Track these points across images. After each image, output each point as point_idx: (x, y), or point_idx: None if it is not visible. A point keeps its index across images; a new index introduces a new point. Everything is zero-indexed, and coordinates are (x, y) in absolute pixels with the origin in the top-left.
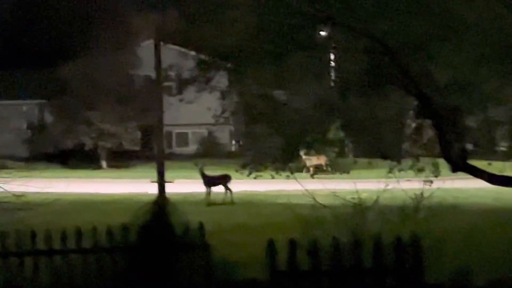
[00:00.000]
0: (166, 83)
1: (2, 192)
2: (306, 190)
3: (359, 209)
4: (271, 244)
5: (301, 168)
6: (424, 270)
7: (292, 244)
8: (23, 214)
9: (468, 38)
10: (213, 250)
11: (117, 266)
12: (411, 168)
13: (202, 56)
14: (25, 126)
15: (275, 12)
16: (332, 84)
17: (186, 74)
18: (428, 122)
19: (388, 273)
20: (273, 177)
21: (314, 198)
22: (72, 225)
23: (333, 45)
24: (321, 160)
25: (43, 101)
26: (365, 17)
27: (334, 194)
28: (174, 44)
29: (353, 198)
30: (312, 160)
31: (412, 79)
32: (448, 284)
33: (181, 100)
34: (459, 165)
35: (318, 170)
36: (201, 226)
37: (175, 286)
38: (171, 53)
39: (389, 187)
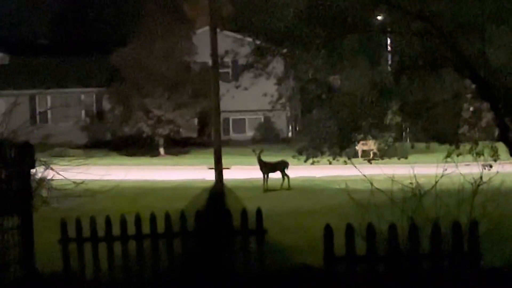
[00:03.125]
0: (222, 70)
1: (62, 179)
2: (364, 175)
3: (417, 194)
4: (327, 229)
5: (356, 153)
6: (482, 254)
7: (349, 229)
8: (83, 201)
9: None
10: (270, 236)
11: (174, 252)
12: (469, 152)
13: (258, 42)
14: (83, 113)
15: None
16: (388, 67)
17: (242, 61)
18: (486, 105)
19: (445, 258)
20: (330, 163)
21: (371, 183)
22: (131, 212)
23: (388, 29)
24: (371, 145)
25: (101, 88)
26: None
27: (391, 179)
28: (230, 30)
29: (410, 183)
30: (363, 145)
31: (468, 61)
32: (505, 269)
33: (237, 87)
34: None
35: (368, 155)
36: (258, 212)
37: (231, 271)
38: (226, 39)
39: (447, 171)
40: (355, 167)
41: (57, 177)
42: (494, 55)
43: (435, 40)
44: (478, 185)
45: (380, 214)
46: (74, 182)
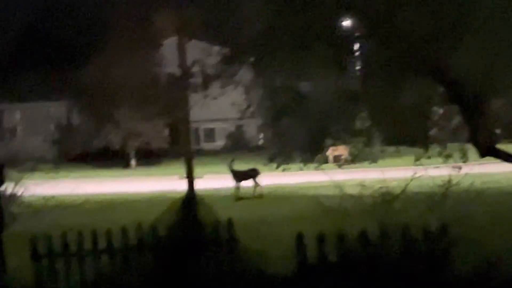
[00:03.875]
0: (190, 80)
1: (33, 195)
2: (333, 181)
3: (388, 198)
4: (299, 238)
5: (327, 159)
6: (454, 258)
7: (320, 237)
8: (54, 216)
9: (492, 22)
10: (242, 245)
11: (146, 265)
12: (439, 155)
13: (226, 51)
14: (52, 127)
15: (294, 1)
16: (356, 73)
17: (210, 70)
18: (455, 107)
19: (417, 262)
20: (301, 169)
21: (341, 189)
22: (102, 226)
23: (354, 35)
24: (341, 150)
25: (70, 101)
26: (386, 5)
27: (362, 184)
28: (197, 39)
29: (381, 188)
30: (333, 151)
31: (435, 65)
32: (477, 273)
33: (206, 97)
34: (488, 150)
35: (341, 160)
36: (229, 222)
37: (203, 282)
38: (194, 49)
39: (417, 175)
40: (325, 173)
41: (28, 192)
42: (461, 58)
43: (402, 45)
44: (447, 188)
45: (352, 220)
46: (45, 198)
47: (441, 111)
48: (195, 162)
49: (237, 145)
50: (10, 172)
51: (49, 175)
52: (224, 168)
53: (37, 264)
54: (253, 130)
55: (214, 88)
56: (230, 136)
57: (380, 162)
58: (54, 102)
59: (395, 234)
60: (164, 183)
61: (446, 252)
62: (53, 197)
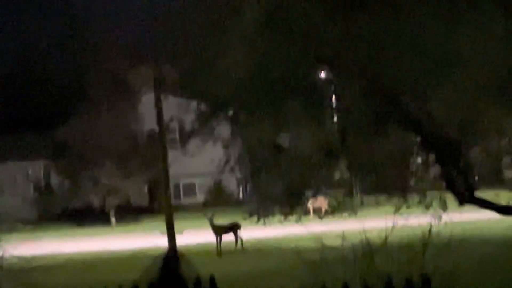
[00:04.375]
0: (169, 136)
1: (13, 256)
2: (313, 234)
3: (368, 250)
4: None
5: (307, 211)
6: None
7: None
8: (35, 277)
9: (465, 72)
10: None
11: None
12: (418, 204)
13: (203, 107)
14: (31, 187)
15: (270, 57)
16: (334, 126)
17: (188, 126)
18: (432, 157)
19: None
20: (281, 223)
21: (322, 241)
22: (84, 286)
23: (331, 89)
24: (321, 202)
25: (48, 161)
26: (361, 58)
27: (342, 236)
28: (174, 95)
29: (361, 240)
30: (313, 203)
31: (411, 116)
32: None
33: (185, 154)
34: (466, 198)
35: (320, 212)
36: (211, 278)
37: None
38: (171, 105)
39: (397, 225)
40: (304, 227)
41: (8, 254)
42: (437, 109)
43: (378, 97)
44: (428, 238)
45: (333, 273)
46: (25, 258)
47: (419, 160)
48: (175, 217)
49: (217, 200)
50: None
51: (29, 235)
52: (204, 222)
53: None
54: (233, 184)
55: (193, 143)
56: (210, 191)
57: (360, 212)
58: (33, 161)
59: (377, 285)
60: (145, 239)
61: None
62: (33, 257)
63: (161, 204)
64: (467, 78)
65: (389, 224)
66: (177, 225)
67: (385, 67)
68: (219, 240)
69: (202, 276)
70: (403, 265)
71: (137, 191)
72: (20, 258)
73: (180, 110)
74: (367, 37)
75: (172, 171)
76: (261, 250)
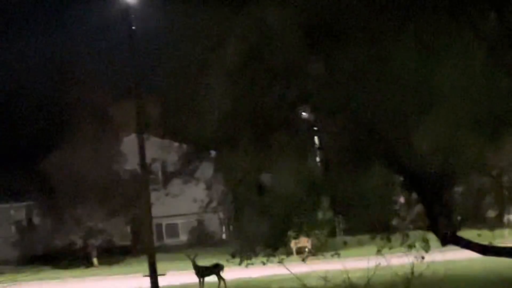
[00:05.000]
0: (151, 176)
1: None
2: (295, 275)
3: None
4: None
5: (290, 251)
6: None
7: None
8: None
9: (446, 108)
10: None
11: None
12: (401, 245)
13: (185, 147)
14: (13, 229)
15: (250, 94)
16: (316, 163)
17: (170, 167)
18: (415, 196)
19: None
20: (264, 264)
21: (305, 282)
22: None
23: (313, 125)
24: (304, 242)
25: (30, 202)
26: (341, 94)
27: (325, 278)
28: (157, 136)
29: (344, 281)
30: (296, 243)
31: (394, 153)
32: None
33: (167, 194)
34: (449, 239)
35: (303, 252)
36: None
37: None
38: (154, 145)
39: (380, 265)
40: (287, 268)
41: None
42: (419, 144)
43: (360, 134)
44: (410, 279)
45: None
46: None
47: (401, 199)
48: (158, 258)
49: (200, 240)
50: None
51: (11, 278)
52: (187, 264)
53: None
54: (215, 224)
55: (176, 184)
56: (193, 231)
57: (343, 252)
58: (16, 203)
59: None
60: (128, 281)
61: None
62: None
63: (144, 245)
64: (448, 112)
65: (372, 264)
66: (160, 266)
67: (367, 102)
68: (202, 281)
69: None
70: None
71: (119, 231)
72: None
73: (162, 150)
74: (348, 72)
75: (154, 211)
76: None
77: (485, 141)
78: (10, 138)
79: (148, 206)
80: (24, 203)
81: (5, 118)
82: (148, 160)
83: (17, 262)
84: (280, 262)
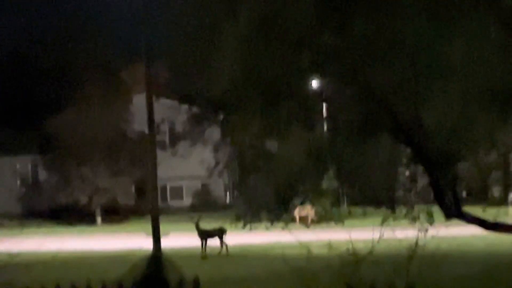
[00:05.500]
0: (158, 137)
1: None
2: (300, 242)
3: (354, 259)
4: None
5: (294, 218)
6: None
7: None
8: (18, 273)
9: (456, 81)
10: None
11: None
12: (405, 217)
13: (194, 109)
14: (18, 182)
15: (262, 60)
16: (324, 133)
17: (178, 128)
18: (421, 169)
19: None
20: (267, 229)
21: (308, 249)
22: (68, 283)
23: (323, 95)
24: (308, 210)
25: (36, 157)
26: (352, 65)
27: (328, 245)
28: (166, 97)
29: (347, 249)
30: (300, 211)
31: (402, 126)
32: None
33: (174, 155)
34: (453, 213)
35: (307, 221)
36: (195, 280)
37: None
38: (162, 107)
39: (384, 236)
40: (291, 234)
41: None
42: (428, 118)
43: (369, 105)
44: (414, 250)
45: (318, 281)
46: (9, 255)
47: (407, 172)
48: (162, 219)
49: (204, 203)
50: None
51: (14, 232)
52: (190, 226)
53: None
54: (220, 189)
55: (183, 146)
56: (197, 194)
57: (347, 222)
58: (21, 156)
59: None
60: (131, 240)
61: None
62: (18, 254)
63: (148, 205)
64: (459, 86)
65: (376, 235)
66: (163, 227)
67: (377, 74)
68: (204, 244)
69: (186, 278)
70: (388, 275)
71: (124, 191)
72: (5, 254)
73: (171, 112)
74: (360, 43)
75: (160, 173)
76: (246, 256)
77: (495, 118)
78: (20, 95)
79: (154, 167)
80: (30, 157)
81: (16, 77)
82: (156, 120)
83: (21, 216)
84: (284, 228)
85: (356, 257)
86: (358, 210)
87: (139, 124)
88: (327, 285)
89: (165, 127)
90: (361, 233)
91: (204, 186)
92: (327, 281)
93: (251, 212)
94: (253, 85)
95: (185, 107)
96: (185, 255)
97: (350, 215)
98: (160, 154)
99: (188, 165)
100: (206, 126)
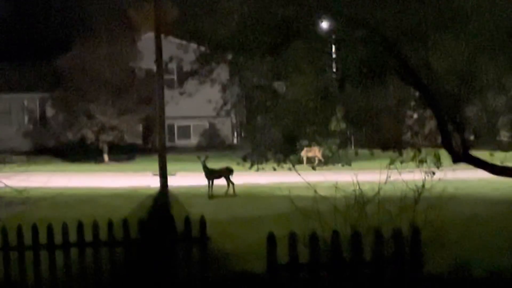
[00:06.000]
0: (167, 76)
1: (4, 187)
2: (307, 182)
3: (360, 201)
4: (270, 238)
5: (301, 159)
6: (424, 261)
7: (292, 236)
8: (24, 208)
9: (467, 26)
10: (214, 243)
11: (117, 260)
12: (412, 159)
13: (203, 49)
14: (26, 119)
15: (271, 1)
16: (332, 74)
17: (186, 67)
18: (429, 112)
19: (387, 266)
20: (274, 169)
21: (315, 190)
22: (74, 220)
23: (332, 36)
24: (315, 151)
25: (44, 94)
26: (362, 6)
27: (335, 186)
28: (175, 36)
29: (354, 190)
30: (307, 152)
31: (411, 69)
32: (447, 276)
33: (182, 93)
34: (460, 156)
35: (313, 162)
36: (202, 219)
37: (174, 279)
38: (171, 45)
39: (391, 178)
40: (299, 174)
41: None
42: (437, 63)
43: (379, 47)
44: (420, 193)
45: (324, 222)
46: (16, 190)
47: (415, 115)
48: (168, 158)
49: (211, 143)
50: None
51: (22, 168)
52: (197, 165)
53: (7, 256)
54: (227, 129)
55: (191, 85)
56: (204, 134)
57: (354, 164)
58: (29, 93)
59: (367, 235)
60: (137, 178)
61: (417, 254)
62: (25, 189)
63: (155, 144)
64: (469, 31)
65: (383, 177)
66: (169, 166)
67: (387, 16)
68: (211, 184)
69: (192, 216)
70: (394, 217)
71: (131, 130)
72: (12, 189)
73: (179, 51)
74: None
75: (167, 112)
76: (253, 196)
77: (504, 64)
78: (29, 33)
79: (162, 105)
80: (38, 95)
81: (25, 14)
82: (164, 59)
83: (28, 152)
84: (291, 169)
85: (362, 198)
86: (365, 152)
87: (147, 62)
88: (333, 226)
89: (173, 66)
90: (368, 175)
91: (211, 126)
92: (333, 222)
93: (258, 152)
94: (262, 26)
95: (193, 46)
96: (192, 194)
97: (357, 156)
98: (168, 93)
99: (195, 105)
100: (214, 66)
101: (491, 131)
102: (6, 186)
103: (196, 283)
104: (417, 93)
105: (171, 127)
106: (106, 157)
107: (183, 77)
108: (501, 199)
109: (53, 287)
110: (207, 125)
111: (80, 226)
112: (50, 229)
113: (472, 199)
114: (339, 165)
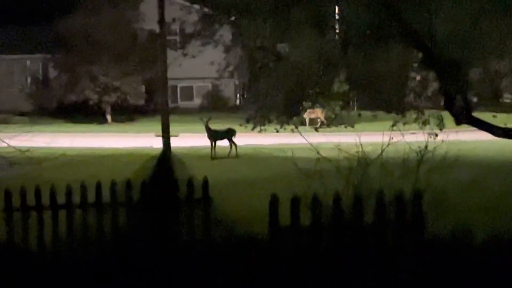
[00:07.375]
0: (169, 37)
1: (7, 147)
2: (310, 144)
3: (363, 162)
4: (273, 199)
5: (303, 121)
6: (425, 225)
7: (294, 199)
8: (28, 169)
9: None
10: (216, 205)
11: (119, 222)
12: (415, 121)
13: (206, 10)
14: (29, 80)
15: None
16: (335, 37)
17: (189, 28)
18: (431, 74)
19: (389, 228)
20: (277, 131)
21: (318, 152)
22: (76, 180)
23: None
24: (318, 113)
25: (47, 55)
26: None
27: (337, 147)
28: None
29: (357, 152)
30: (310, 114)
31: (414, 32)
32: (449, 239)
33: (185, 55)
34: (463, 118)
35: (315, 123)
36: (205, 181)
37: (176, 241)
38: (174, 7)
39: (393, 140)
40: (301, 135)
41: (2, 144)
42: (440, 26)
43: (381, 10)
44: (423, 155)
45: (326, 183)
46: (19, 150)
47: (418, 77)
48: (171, 119)
49: (214, 105)
50: None
51: (24, 128)
52: (200, 127)
53: (10, 216)
54: (230, 90)
55: (193, 47)
56: (207, 95)
57: (357, 126)
58: (32, 55)
59: (369, 197)
60: (140, 139)
61: (419, 217)
62: (28, 150)
63: (157, 105)
64: None
65: (385, 139)
66: (172, 127)
67: None
68: (213, 145)
69: (195, 178)
70: (396, 180)
71: (134, 91)
72: (14, 149)
73: (182, 12)
74: None
75: (170, 73)
76: (255, 157)
77: (507, 27)
78: None
79: (165, 66)
80: (41, 56)
81: None
82: (167, 20)
83: (31, 113)
84: (293, 130)
85: (365, 160)
86: (368, 114)
87: (150, 23)
88: (336, 187)
89: (176, 27)
90: (370, 137)
91: (214, 87)
92: (335, 183)
93: (260, 114)
94: None
95: (196, 7)
96: (195, 155)
97: (360, 118)
98: (171, 55)
99: (198, 66)
100: (217, 27)
101: (494, 93)
102: (9, 146)
103: (198, 245)
104: (420, 55)
105: (173, 88)
106: (109, 118)
107: (186, 38)
108: (502, 161)
109: (56, 249)
110: (210, 86)
111: (83, 188)
112: (52, 191)
113: (474, 161)
114: (342, 126)
